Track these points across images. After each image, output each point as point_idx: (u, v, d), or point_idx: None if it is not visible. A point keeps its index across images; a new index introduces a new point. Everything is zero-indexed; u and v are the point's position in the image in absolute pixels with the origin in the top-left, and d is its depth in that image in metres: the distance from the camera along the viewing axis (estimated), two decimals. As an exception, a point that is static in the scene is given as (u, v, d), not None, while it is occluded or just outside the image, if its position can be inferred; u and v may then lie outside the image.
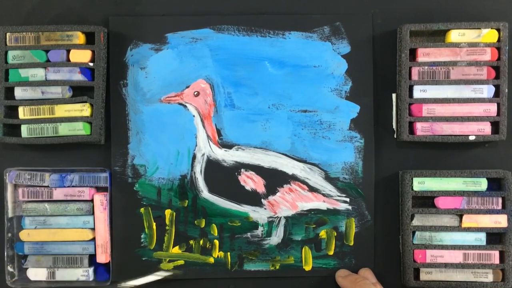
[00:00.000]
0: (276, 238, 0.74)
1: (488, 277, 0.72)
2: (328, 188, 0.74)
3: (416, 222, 0.72)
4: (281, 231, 0.74)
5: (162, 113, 0.73)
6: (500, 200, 0.72)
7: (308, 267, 0.74)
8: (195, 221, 0.74)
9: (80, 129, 0.72)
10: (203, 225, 0.74)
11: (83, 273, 0.73)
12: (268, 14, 0.74)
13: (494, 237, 0.73)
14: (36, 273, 0.73)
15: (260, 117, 0.73)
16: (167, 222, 0.74)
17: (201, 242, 0.74)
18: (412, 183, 0.72)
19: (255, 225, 0.74)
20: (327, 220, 0.74)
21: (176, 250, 0.74)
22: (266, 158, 0.74)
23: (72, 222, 0.72)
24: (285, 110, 0.74)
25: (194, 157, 0.74)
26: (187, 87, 0.73)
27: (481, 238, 0.72)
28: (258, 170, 0.74)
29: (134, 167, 0.74)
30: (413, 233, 0.72)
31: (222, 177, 0.74)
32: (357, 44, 0.74)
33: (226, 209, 0.74)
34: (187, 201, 0.74)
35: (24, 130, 0.72)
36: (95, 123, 0.71)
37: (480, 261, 0.72)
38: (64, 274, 0.73)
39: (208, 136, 0.73)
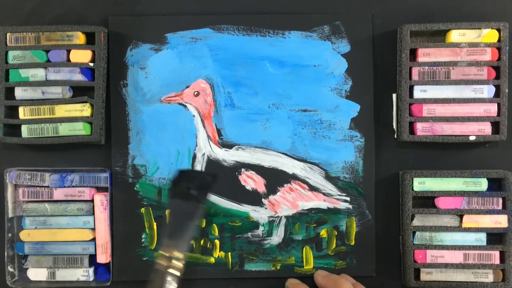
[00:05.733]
0: (276, 237, 0.70)
1: (488, 277, 0.67)
2: (329, 187, 0.70)
3: (416, 222, 0.68)
4: (282, 231, 0.70)
5: (162, 113, 0.69)
6: (500, 200, 0.67)
7: (309, 267, 0.70)
8: (196, 221, 0.70)
9: (81, 129, 0.67)
10: (203, 225, 0.70)
11: (83, 273, 0.68)
12: (268, 13, 0.70)
13: (495, 237, 0.68)
14: (36, 273, 0.69)
15: (260, 117, 0.69)
16: (167, 222, 0.69)
17: (202, 242, 0.70)
18: (412, 183, 0.68)
19: (255, 225, 0.70)
20: (328, 219, 0.70)
21: (177, 250, 0.70)
22: (266, 158, 0.69)
23: (72, 222, 0.68)
24: (285, 110, 0.69)
25: (194, 157, 0.69)
26: (187, 87, 0.69)
27: (482, 238, 0.67)
28: (259, 169, 0.69)
29: (134, 167, 0.69)
30: (414, 233, 0.68)
31: (223, 177, 0.69)
32: (357, 43, 0.69)
33: (226, 209, 0.70)
34: (188, 201, 0.70)
35: (25, 130, 0.68)
36: (95, 123, 0.67)
37: (481, 261, 0.67)
38: (65, 274, 0.68)
39: (208, 136, 0.69)
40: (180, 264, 0.57)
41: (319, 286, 0.67)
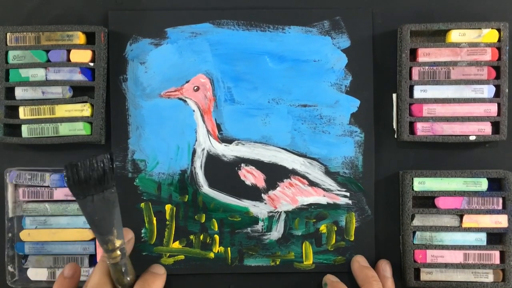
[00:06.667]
0: (276, 233, 0.68)
1: (488, 277, 0.65)
2: (328, 182, 0.68)
3: (416, 222, 0.66)
4: (281, 226, 0.68)
5: (162, 108, 0.68)
6: (500, 200, 0.65)
7: (308, 263, 0.68)
8: (195, 216, 0.68)
9: (81, 129, 0.66)
10: (203, 220, 0.68)
11: (84, 273, 0.66)
12: (268, 8, 0.68)
13: (495, 237, 0.66)
14: (37, 273, 0.67)
15: (260, 112, 0.67)
16: (167, 217, 0.68)
17: (201, 237, 0.68)
18: (412, 183, 0.66)
19: (255, 220, 0.68)
20: (327, 214, 0.68)
21: (176, 245, 0.68)
22: (266, 153, 0.68)
23: (72, 222, 0.66)
24: (285, 105, 0.68)
25: (194, 152, 0.68)
26: (187, 82, 0.67)
27: (482, 238, 0.66)
28: (258, 164, 0.67)
29: (134, 162, 0.68)
30: (414, 233, 0.66)
31: (222, 172, 0.68)
32: (357, 38, 0.68)
33: (226, 204, 0.68)
34: (187, 196, 0.68)
35: (25, 130, 0.66)
36: (95, 123, 0.66)
37: (481, 261, 0.65)
38: None
39: (208, 131, 0.67)
40: (124, 247, 0.56)
41: (353, 272, 0.66)
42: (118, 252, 0.55)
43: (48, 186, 0.66)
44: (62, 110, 0.66)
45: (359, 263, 0.66)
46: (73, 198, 0.65)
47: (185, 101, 0.68)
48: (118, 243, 0.55)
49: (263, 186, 0.68)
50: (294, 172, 0.68)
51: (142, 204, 0.68)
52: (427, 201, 0.67)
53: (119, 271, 0.55)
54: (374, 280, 0.62)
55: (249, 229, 0.68)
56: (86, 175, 0.51)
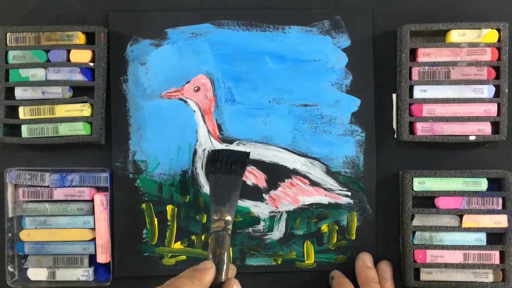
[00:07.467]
0: (277, 233, 0.67)
1: (488, 277, 0.64)
2: (330, 182, 0.67)
3: (416, 222, 0.65)
4: (283, 226, 0.67)
5: (163, 109, 0.66)
6: (500, 200, 0.64)
7: (310, 262, 0.67)
8: (197, 217, 0.67)
9: (81, 129, 0.65)
10: (204, 220, 0.67)
11: (84, 273, 0.66)
12: (268, 8, 0.67)
13: (495, 237, 0.66)
14: (37, 273, 0.66)
15: (260, 112, 0.67)
16: (168, 217, 0.67)
17: (203, 237, 0.67)
18: (412, 183, 0.65)
19: (256, 220, 0.67)
20: (329, 214, 0.67)
21: (178, 245, 0.67)
22: (267, 153, 0.67)
23: (72, 222, 0.65)
24: (285, 105, 0.67)
25: (195, 152, 0.67)
26: (188, 82, 0.66)
27: (481, 238, 0.65)
28: (259, 164, 0.67)
29: (135, 163, 0.67)
30: (413, 233, 0.65)
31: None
32: (357, 38, 0.67)
33: (227, 204, 0.67)
34: (188, 196, 0.67)
35: (25, 130, 0.65)
36: (95, 123, 0.65)
37: (480, 261, 0.64)
38: (65, 274, 0.66)
39: (209, 131, 0.66)
40: (231, 226, 0.58)
41: (355, 269, 0.66)
42: (223, 224, 0.57)
43: (48, 186, 0.65)
44: (62, 110, 0.65)
45: (363, 261, 0.65)
46: (73, 198, 0.66)
47: (185, 101, 0.67)
48: (226, 216, 0.58)
49: (264, 186, 0.67)
50: (295, 172, 0.67)
51: (144, 205, 0.67)
52: (427, 201, 0.66)
53: (215, 240, 0.56)
54: (373, 282, 0.62)
55: (250, 229, 0.67)
56: (226, 159, 0.63)
